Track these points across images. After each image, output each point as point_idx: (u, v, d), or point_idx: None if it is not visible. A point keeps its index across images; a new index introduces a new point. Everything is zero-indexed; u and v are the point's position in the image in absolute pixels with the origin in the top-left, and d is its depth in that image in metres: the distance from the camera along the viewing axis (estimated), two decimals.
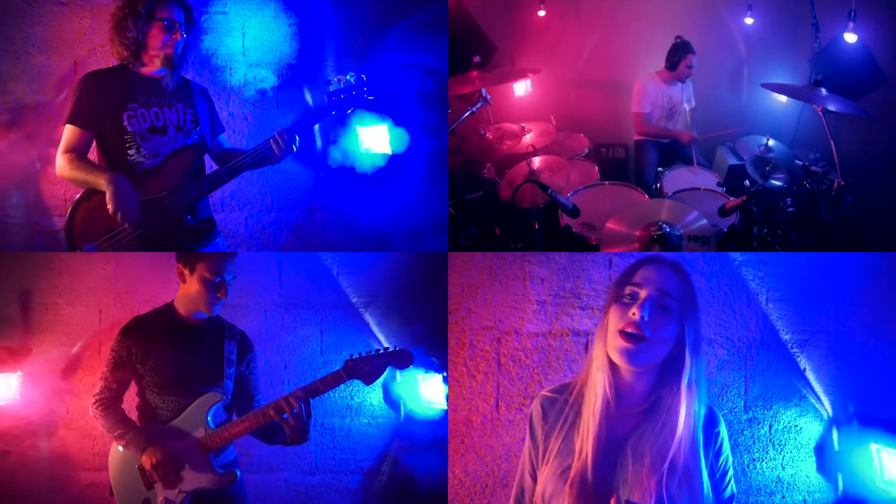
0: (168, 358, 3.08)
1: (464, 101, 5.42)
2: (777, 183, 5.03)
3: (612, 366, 2.09)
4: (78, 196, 3.28)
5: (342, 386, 3.19)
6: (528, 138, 5.35)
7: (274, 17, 4.48)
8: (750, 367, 3.55)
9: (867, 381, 3.54)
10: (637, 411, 2.12)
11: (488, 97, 5.23)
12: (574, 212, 3.89)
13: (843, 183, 4.32)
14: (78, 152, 3.27)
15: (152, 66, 3.35)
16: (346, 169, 4.50)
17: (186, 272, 3.08)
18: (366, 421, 4.09)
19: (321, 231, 4.68)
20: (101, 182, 3.16)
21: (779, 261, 3.60)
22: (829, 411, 3.57)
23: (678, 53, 5.73)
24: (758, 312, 3.57)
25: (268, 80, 4.51)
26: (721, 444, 2.21)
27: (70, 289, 3.93)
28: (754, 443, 3.57)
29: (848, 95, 4.53)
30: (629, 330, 2.04)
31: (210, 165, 3.58)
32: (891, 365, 3.52)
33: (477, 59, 5.26)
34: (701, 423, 2.12)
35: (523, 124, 5.49)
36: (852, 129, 5.24)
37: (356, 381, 3.07)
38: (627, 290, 2.12)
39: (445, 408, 3.58)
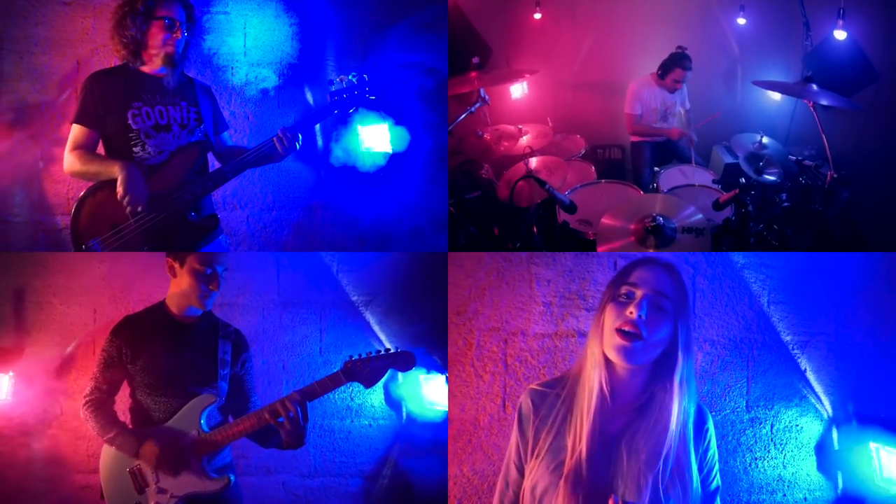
0: (159, 358, 2.94)
1: (461, 102, 5.37)
2: (770, 178, 5.01)
3: (608, 363, 2.08)
4: (83, 192, 3.25)
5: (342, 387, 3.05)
6: (525, 140, 5.34)
7: (275, 17, 4.41)
8: (752, 367, 3.54)
9: (866, 381, 3.52)
10: (631, 408, 2.11)
11: (487, 97, 5.16)
12: (571, 207, 3.88)
13: (835, 176, 4.31)
14: (86, 149, 3.25)
15: (153, 64, 3.31)
16: (347, 168, 4.42)
17: (176, 265, 2.96)
18: (366, 423, 3.98)
19: (322, 229, 4.60)
20: (114, 169, 3.12)
21: (780, 263, 3.58)
22: (829, 411, 3.55)
23: (669, 66, 5.67)
24: (759, 314, 3.55)
25: (269, 79, 4.44)
26: (709, 440, 2.22)
27: (64, 288, 3.83)
28: (756, 442, 3.55)
29: (841, 92, 4.51)
30: (627, 328, 2.03)
31: (213, 163, 3.55)
32: (889, 365, 3.49)
33: (476, 60, 5.23)
34: (692, 419, 2.13)
35: (520, 126, 5.47)
36: (847, 126, 5.21)
37: (356, 383, 2.95)
38: (623, 289, 2.11)
39: (446, 409, 3.54)
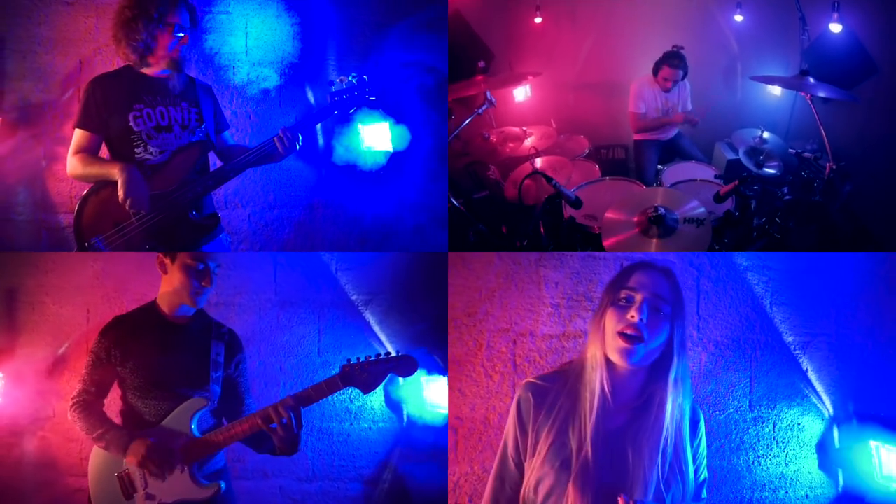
0: (149, 359, 2.80)
1: (466, 106, 5.37)
2: (771, 171, 5.02)
3: (609, 364, 2.11)
4: (86, 191, 3.23)
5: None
6: (529, 141, 5.35)
7: (276, 17, 4.36)
8: (755, 368, 3.54)
9: (866, 381, 3.51)
10: (630, 407, 2.15)
11: (493, 100, 5.11)
12: (577, 202, 3.88)
13: (834, 167, 4.32)
14: (88, 153, 3.22)
15: (157, 67, 3.27)
16: (348, 166, 4.38)
17: (167, 261, 2.83)
18: (366, 425, 3.85)
19: (323, 228, 4.54)
20: (114, 171, 3.08)
21: (782, 265, 3.58)
22: (830, 410, 3.54)
23: (659, 64, 5.59)
24: (762, 316, 3.56)
25: (270, 78, 4.38)
26: (702, 436, 2.28)
27: (57, 287, 3.73)
28: (759, 440, 3.55)
29: (841, 86, 4.50)
30: (629, 332, 2.06)
31: (214, 162, 3.52)
32: (889, 365, 3.48)
33: (481, 64, 5.29)
34: (687, 416, 2.17)
35: (524, 128, 5.48)
36: (848, 119, 5.19)
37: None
38: (623, 293, 2.13)
39: (446, 412, 3.50)
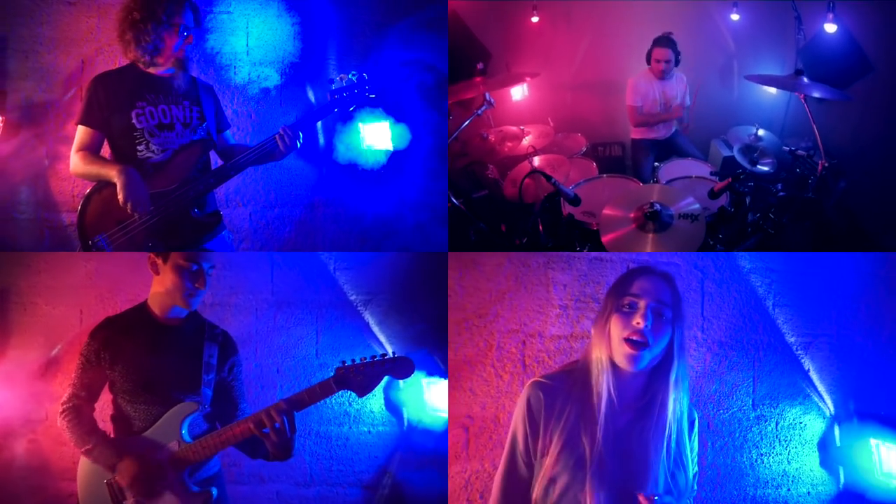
0: (139, 361, 2.67)
1: (465, 108, 5.33)
2: (764, 168, 5.01)
3: (614, 368, 2.16)
4: (89, 189, 3.20)
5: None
6: (527, 140, 5.30)
7: (277, 17, 4.29)
8: (758, 367, 3.54)
9: (867, 380, 3.51)
10: (634, 406, 2.19)
11: (492, 100, 5.08)
12: (575, 200, 3.90)
13: (826, 164, 4.32)
14: (90, 150, 3.19)
15: (161, 66, 3.26)
16: (349, 165, 4.32)
17: (159, 261, 2.70)
18: (365, 429, 3.74)
19: (324, 226, 4.48)
20: (113, 174, 3.06)
21: (784, 266, 3.59)
22: (832, 409, 3.54)
23: (650, 50, 5.52)
24: (765, 317, 3.56)
25: (271, 78, 4.32)
26: (695, 433, 2.33)
27: (49, 288, 3.62)
28: (762, 439, 3.55)
29: (836, 84, 4.52)
30: (635, 338, 2.11)
31: (215, 161, 3.49)
32: (889, 365, 3.49)
33: (480, 65, 5.23)
34: (686, 413, 2.23)
35: (522, 127, 5.42)
36: (843, 117, 5.16)
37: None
38: (626, 300, 2.17)
39: (447, 416, 3.43)
